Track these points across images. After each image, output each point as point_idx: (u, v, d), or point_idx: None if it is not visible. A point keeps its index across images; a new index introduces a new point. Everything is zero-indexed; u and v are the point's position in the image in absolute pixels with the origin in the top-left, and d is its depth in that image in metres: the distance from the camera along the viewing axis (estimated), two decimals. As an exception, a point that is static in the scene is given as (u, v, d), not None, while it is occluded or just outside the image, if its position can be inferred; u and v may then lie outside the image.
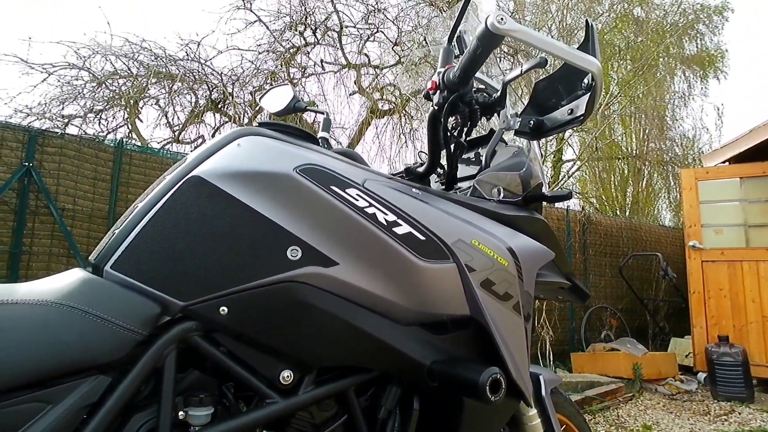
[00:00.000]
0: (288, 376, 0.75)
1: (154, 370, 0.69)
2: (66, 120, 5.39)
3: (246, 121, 6.29)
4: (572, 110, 0.97)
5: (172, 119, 6.15)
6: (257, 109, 6.43)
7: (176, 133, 6.19)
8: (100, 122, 5.76)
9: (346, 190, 0.78)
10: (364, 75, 6.84)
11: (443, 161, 1.05)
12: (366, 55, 6.78)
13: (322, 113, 1.48)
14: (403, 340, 0.80)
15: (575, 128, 6.38)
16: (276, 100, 1.38)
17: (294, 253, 0.73)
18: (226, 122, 6.38)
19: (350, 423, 0.83)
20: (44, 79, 5.34)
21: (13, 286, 0.67)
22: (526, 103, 1.11)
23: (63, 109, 5.44)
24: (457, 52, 1.17)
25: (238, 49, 6.20)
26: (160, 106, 6.10)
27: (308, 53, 6.65)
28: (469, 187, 1.06)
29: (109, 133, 5.65)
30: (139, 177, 3.81)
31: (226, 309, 0.71)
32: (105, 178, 3.66)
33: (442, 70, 0.95)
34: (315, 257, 0.74)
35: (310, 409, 0.81)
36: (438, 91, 0.95)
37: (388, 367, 0.82)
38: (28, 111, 5.22)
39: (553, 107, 1.03)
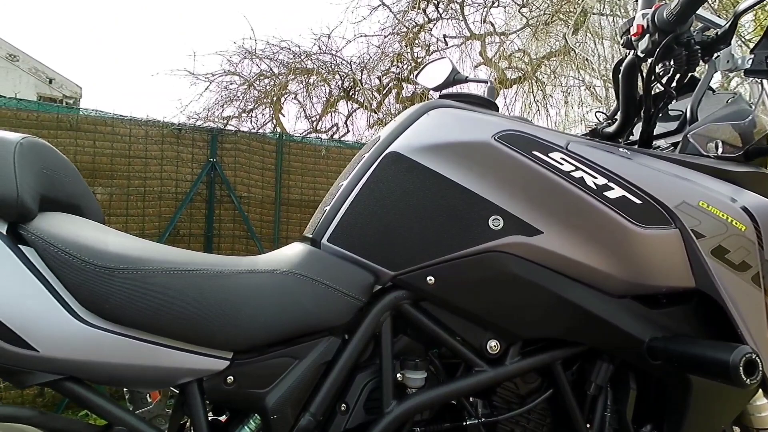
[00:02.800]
0: (495, 346, 0.76)
1: (372, 335, 0.74)
2: (225, 121, 6.13)
3: (374, 106, 6.49)
4: None
5: (310, 111, 6.61)
6: (384, 92, 6.59)
7: (314, 124, 6.66)
8: (250, 120, 6.45)
9: (549, 155, 0.74)
10: (488, 44, 6.57)
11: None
12: (491, 23, 6.49)
13: (485, 82, 1.42)
14: (616, 313, 0.74)
15: None
16: (434, 74, 1.35)
17: (496, 222, 0.72)
18: (357, 108, 6.67)
19: (555, 397, 0.80)
20: (207, 87, 6.13)
21: (254, 258, 0.75)
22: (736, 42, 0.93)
23: (223, 111, 6.20)
24: None
25: (365, 35, 6.40)
26: (298, 101, 6.61)
27: (430, 30, 6.59)
28: (670, 146, 0.95)
29: (259, 129, 6.30)
30: (297, 165, 4.17)
31: (432, 278, 0.73)
32: (270, 168, 4.08)
33: (649, 10, 0.85)
34: (517, 226, 0.72)
35: (515, 381, 0.80)
36: (647, 35, 0.85)
37: (598, 341, 0.77)
38: (197, 116, 6.05)
39: None
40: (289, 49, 6.21)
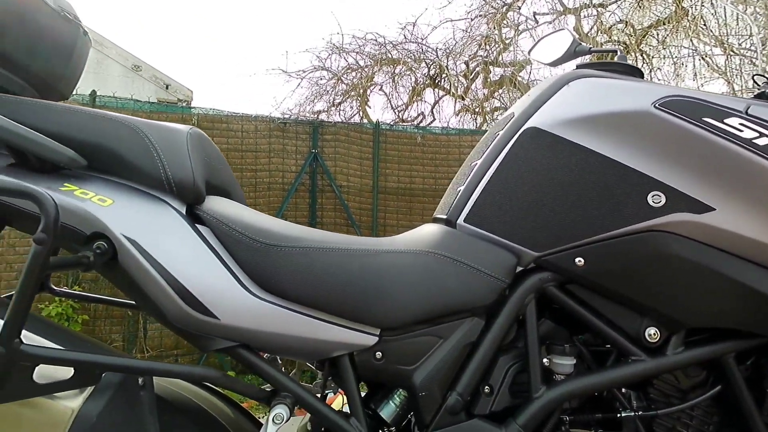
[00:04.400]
0: (654, 334, 0.70)
1: (515, 317, 0.71)
2: (316, 115, 6.37)
3: (461, 92, 6.36)
4: None
5: (396, 101, 6.65)
6: (471, 77, 6.43)
7: (400, 114, 6.69)
8: (338, 113, 6.64)
9: (725, 121, 0.65)
10: (584, 18, 6.13)
11: None
12: (587, -6, 6.04)
13: (614, 51, 1.29)
14: None
15: None
16: (550, 48, 1.24)
17: (656, 199, 0.66)
18: (443, 96, 6.59)
19: (724, 394, 0.70)
20: (299, 84, 6.41)
21: (391, 239, 0.76)
22: None
23: (314, 106, 6.44)
24: None
25: (451, 20, 6.28)
26: (384, 91, 6.68)
27: (519, 8, 6.30)
28: None
29: (339, 122, 6.46)
30: (394, 153, 4.22)
31: (582, 260, 0.68)
32: (368, 157, 4.17)
33: None
34: (683, 203, 0.66)
35: (676, 373, 0.72)
36: None
37: None
38: (290, 113, 6.35)
39: None
40: (375, 40, 6.29)
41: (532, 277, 0.71)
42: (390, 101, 6.70)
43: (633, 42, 5.68)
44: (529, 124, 0.73)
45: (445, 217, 0.77)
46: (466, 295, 0.69)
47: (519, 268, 0.71)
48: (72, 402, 0.55)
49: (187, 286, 0.60)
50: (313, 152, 4.00)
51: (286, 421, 0.63)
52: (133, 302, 0.85)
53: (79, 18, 0.74)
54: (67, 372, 0.55)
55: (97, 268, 0.60)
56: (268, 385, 0.68)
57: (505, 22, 6.23)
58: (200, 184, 0.65)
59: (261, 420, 0.78)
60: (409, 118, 6.75)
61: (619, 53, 1.39)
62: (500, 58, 6.29)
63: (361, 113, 6.68)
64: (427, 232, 0.77)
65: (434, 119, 6.74)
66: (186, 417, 0.71)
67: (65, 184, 0.60)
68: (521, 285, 0.71)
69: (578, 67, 0.88)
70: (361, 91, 6.48)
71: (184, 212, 0.63)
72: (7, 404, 0.53)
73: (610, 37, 6.02)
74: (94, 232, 0.59)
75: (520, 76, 6.28)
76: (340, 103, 6.61)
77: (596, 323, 0.71)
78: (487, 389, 0.70)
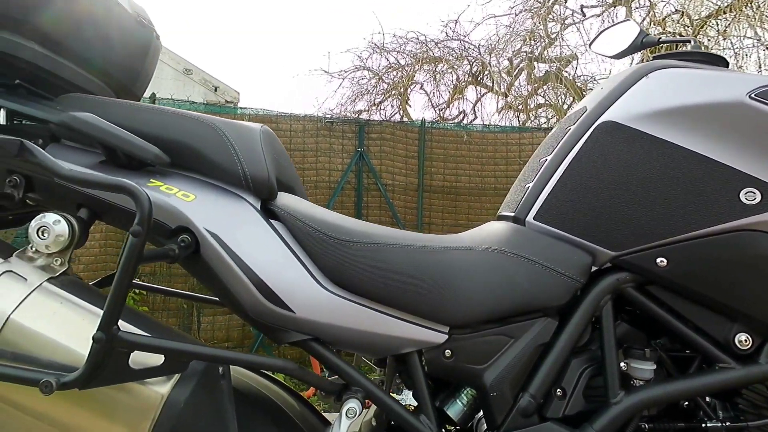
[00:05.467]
0: (745, 341, 0.66)
1: (590, 318, 0.68)
2: (357, 114, 6.40)
3: (503, 89, 6.24)
4: None
5: (437, 100, 6.60)
6: (515, 74, 6.30)
7: (441, 112, 6.64)
8: (379, 113, 6.65)
9: None
10: (635, 10, 5.88)
11: None
12: (638, -16, 5.80)
13: (687, 41, 1.21)
14: None
15: None
16: (614, 40, 1.18)
17: (750, 196, 0.63)
18: (485, 93, 6.48)
19: None
20: (340, 83, 6.47)
21: (455, 236, 0.74)
22: None
23: (355, 105, 6.48)
24: None
25: (494, 15, 6.17)
26: (425, 90, 6.63)
27: (565, 2, 6.12)
28: None
29: (385, 121, 6.47)
30: (439, 151, 4.19)
31: (664, 260, 0.65)
32: (413, 155, 4.16)
33: None
34: None
35: None
36: None
37: None
38: (331, 113, 6.42)
39: None
40: (417, 38, 6.26)
41: (609, 277, 0.69)
42: (431, 100, 6.66)
43: (690, 33, 5.40)
44: (605, 118, 0.70)
45: (512, 214, 0.75)
46: (538, 295, 0.68)
47: (594, 268, 0.69)
48: (161, 388, 0.57)
49: (265, 279, 0.61)
50: (359, 151, 4.03)
51: (359, 415, 0.63)
52: (208, 297, 0.89)
53: (152, 22, 0.77)
54: (158, 359, 0.57)
55: (180, 261, 0.62)
56: (338, 378, 0.68)
57: (550, 16, 6.06)
58: (274, 181, 0.66)
59: (323, 414, 0.80)
60: (450, 117, 6.69)
61: (693, 42, 1.33)
62: (545, 54, 6.13)
63: (401, 112, 6.67)
64: (495, 229, 0.75)
65: (475, 117, 6.64)
66: (257, 407, 0.72)
67: (151, 180, 0.62)
68: (597, 285, 0.68)
69: (655, 57, 0.83)
70: (402, 90, 6.47)
71: (258, 207, 0.65)
72: (103, 388, 0.55)
73: (663, 29, 5.75)
74: (179, 225, 0.61)
75: (566, 71, 6.10)
76: (380, 103, 6.62)
77: (679, 327, 0.68)
78: (559, 392, 0.68)
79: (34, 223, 0.58)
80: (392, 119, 6.50)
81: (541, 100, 6.54)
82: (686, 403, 0.71)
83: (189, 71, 5.45)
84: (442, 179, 4.19)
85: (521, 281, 0.67)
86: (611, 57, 1.40)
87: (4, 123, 0.61)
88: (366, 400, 0.65)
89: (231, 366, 0.67)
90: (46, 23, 0.60)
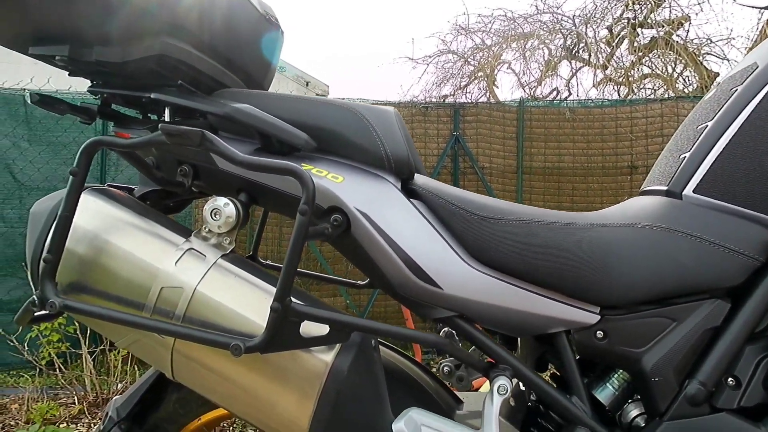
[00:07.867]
0: None
1: None
2: (443, 99, 6.31)
3: (602, 61, 5.78)
4: None
5: (527, 78, 6.31)
6: (615, 43, 5.81)
7: (531, 91, 6.33)
8: (465, 96, 6.50)
9: None
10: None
11: None
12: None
13: None
14: None
15: None
16: None
17: None
18: (581, 67, 6.06)
19: None
20: (425, 69, 6.42)
21: (600, 213, 0.70)
22: None
23: (440, 90, 6.40)
24: None
25: (591, -18, 5.71)
26: (512, 69, 6.37)
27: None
28: None
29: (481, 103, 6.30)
30: (540, 131, 4.00)
31: None
32: (511, 136, 4.01)
33: None
34: None
35: None
36: None
37: None
38: (414, 98, 6.39)
39: None
40: (504, 16, 6.01)
41: None
42: (519, 79, 6.38)
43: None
44: None
45: (664, 188, 0.69)
46: (706, 275, 0.62)
47: None
48: (326, 356, 0.60)
49: (413, 256, 0.62)
50: (454, 135, 3.96)
51: (509, 392, 0.62)
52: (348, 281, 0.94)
53: (278, 19, 0.80)
54: (323, 330, 0.60)
55: (332, 239, 0.64)
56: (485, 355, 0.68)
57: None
58: (413, 160, 0.67)
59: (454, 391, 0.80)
60: (541, 95, 6.36)
61: None
62: (651, 18, 5.57)
63: (488, 94, 6.46)
64: (644, 204, 0.70)
65: (570, 94, 6.25)
66: (399, 381, 0.75)
67: (303, 164, 0.64)
68: None
69: None
70: (489, 71, 6.26)
71: (399, 187, 0.65)
72: (275, 357, 0.59)
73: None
74: (331, 206, 0.63)
75: (676, 36, 5.50)
76: (466, 86, 6.48)
77: None
78: (731, 381, 0.63)
79: (207, 206, 0.63)
80: (478, 102, 6.34)
81: (646, 70, 5.97)
82: None
83: (282, 68, 5.72)
84: (542, 160, 3.99)
85: (684, 260, 0.63)
86: (762, 8, 1.22)
87: (169, 120, 0.66)
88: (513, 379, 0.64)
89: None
90: (196, 27, 0.65)
